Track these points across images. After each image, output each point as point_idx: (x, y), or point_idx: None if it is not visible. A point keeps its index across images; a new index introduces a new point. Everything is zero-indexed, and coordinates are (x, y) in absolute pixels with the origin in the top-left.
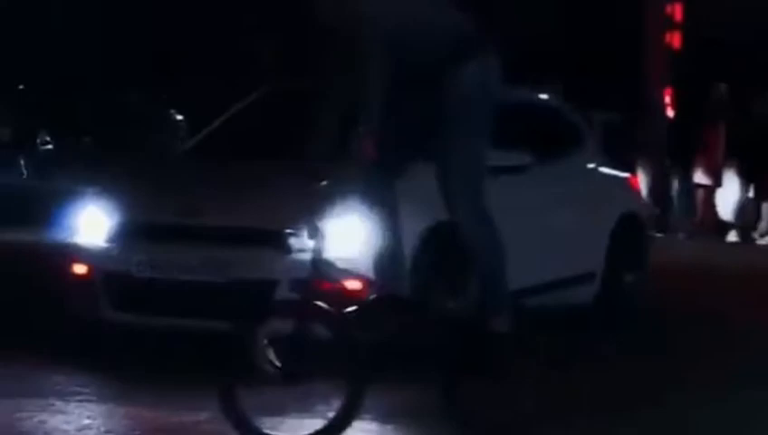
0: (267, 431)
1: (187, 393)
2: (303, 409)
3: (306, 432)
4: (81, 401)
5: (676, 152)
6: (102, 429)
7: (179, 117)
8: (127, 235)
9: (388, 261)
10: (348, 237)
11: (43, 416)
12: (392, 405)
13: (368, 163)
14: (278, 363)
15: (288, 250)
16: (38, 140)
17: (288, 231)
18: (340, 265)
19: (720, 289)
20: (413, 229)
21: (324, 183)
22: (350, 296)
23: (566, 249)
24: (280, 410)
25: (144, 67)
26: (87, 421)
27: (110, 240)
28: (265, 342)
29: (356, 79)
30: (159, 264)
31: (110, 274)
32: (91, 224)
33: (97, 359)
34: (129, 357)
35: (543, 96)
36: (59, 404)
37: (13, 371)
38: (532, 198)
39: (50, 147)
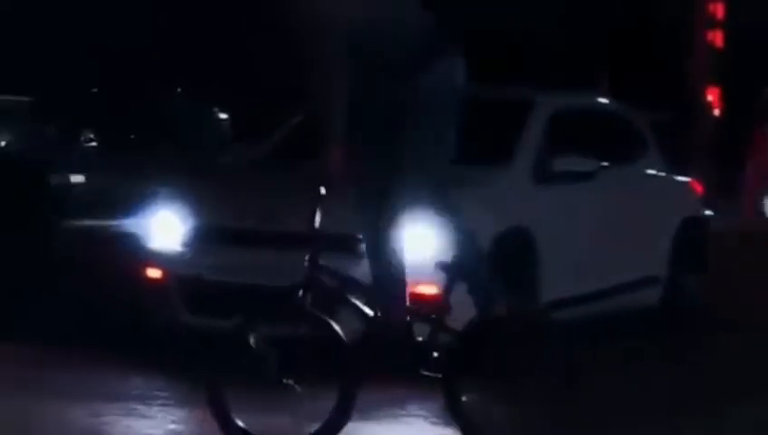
0: (253, 432)
1: (267, 397)
2: (294, 411)
3: None
4: (162, 405)
5: (724, 152)
6: (188, 434)
7: (223, 115)
8: (199, 239)
9: (387, 281)
10: (417, 243)
11: (128, 421)
12: None
13: (344, 181)
14: (271, 365)
15: (360, 255)
16: (82, 138)
17: (360, 236)
18: (413, 270)
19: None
20: (486, 234)
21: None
22: (426, 301)
23: (632, 253)
24: (271, 412)
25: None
26: (172, 426)
27: (184, 244)
28: (260, 343)
29: (318, 90)
30: (231, 268)
31: (183, 278)
32: (165, 228)
33: (174, 362)
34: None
35: (606, 101)
36: (141, 408)
37: (92, 374)
38: (599, 203)
39: (94, 144)
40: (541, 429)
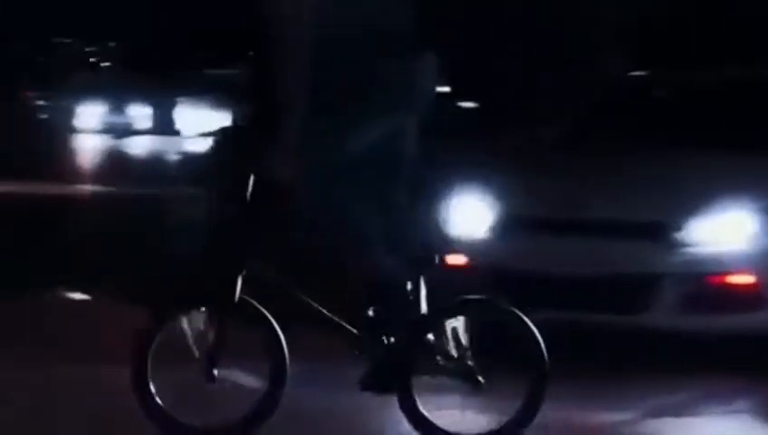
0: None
1: (593, 391)
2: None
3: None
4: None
5: None
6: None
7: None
8: (508, 227)
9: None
10: (732, 231)
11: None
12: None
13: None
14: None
15: (672, 244)
16: None
17: (671, 224)
18: (726, 259)
19: None
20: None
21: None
22: (740, 290)
23: None
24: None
25: None
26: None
27: (489, 232)
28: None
29: (276, 87)
30: (541, 257)
31: (488, 266)
32: (469, 215)
33: (477, 353)
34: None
35: None
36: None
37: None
38: None
39: None
40: None
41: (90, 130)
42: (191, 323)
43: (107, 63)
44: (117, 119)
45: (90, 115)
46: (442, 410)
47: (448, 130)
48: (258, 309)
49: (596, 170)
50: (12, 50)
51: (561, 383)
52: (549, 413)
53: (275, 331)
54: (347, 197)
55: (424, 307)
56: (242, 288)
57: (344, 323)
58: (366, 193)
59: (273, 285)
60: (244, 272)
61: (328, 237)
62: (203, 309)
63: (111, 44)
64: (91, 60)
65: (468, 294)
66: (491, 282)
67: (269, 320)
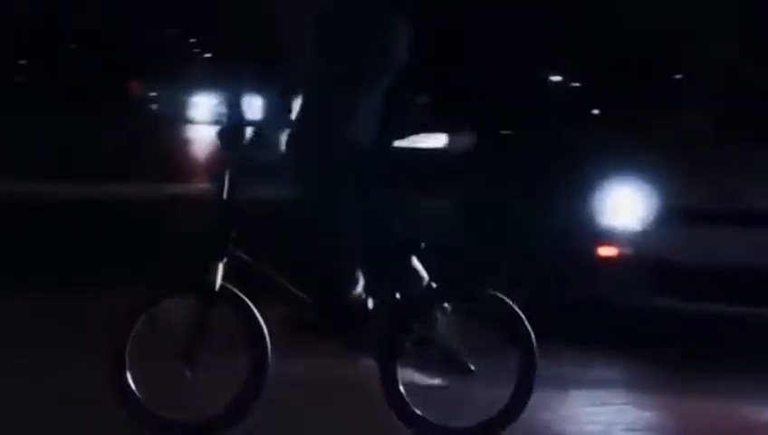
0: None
1: (756, 386)
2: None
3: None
4: (623, 390)
5: None
6: (659, 425)
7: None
8: (664, 218)
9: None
10: None
11: (582, 408)
12: None
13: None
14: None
15: None
16: None
17: None
18: None
19: None
20: None
21: None
22: None
23: None
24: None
25: None
26: (635, 414)
27: (646, 223)
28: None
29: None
30: (700, 248)
31: (646, 258)
32: (625, 206)
33: (632, 346)
34: (672, 345)
35: None
36: (602, 394)
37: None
38: None
39: None
40: None
41: (201, 121)
42: (172, 311)
43: (209, 55)
44: (228, 110)
45: (200, 107)
46: (431, 400)
47: (596, 120)
48: (240, 297)
49: (756, 161)
50: (120, 43)
51: (720, 378)
52: (708, 408)
53: (257, 319)
54: (338, 187)
55: (422, 287)
56: (226, 277)
57: (330, 313)
58: (358, 177)
59: (259, 273)
60: (225, 259)
61: (321, 231)
62: (184, 297)
63: (215, 37)
64: (195, 51)
65: (623, 286)
66: (647, 274)
67: (251, 308)
